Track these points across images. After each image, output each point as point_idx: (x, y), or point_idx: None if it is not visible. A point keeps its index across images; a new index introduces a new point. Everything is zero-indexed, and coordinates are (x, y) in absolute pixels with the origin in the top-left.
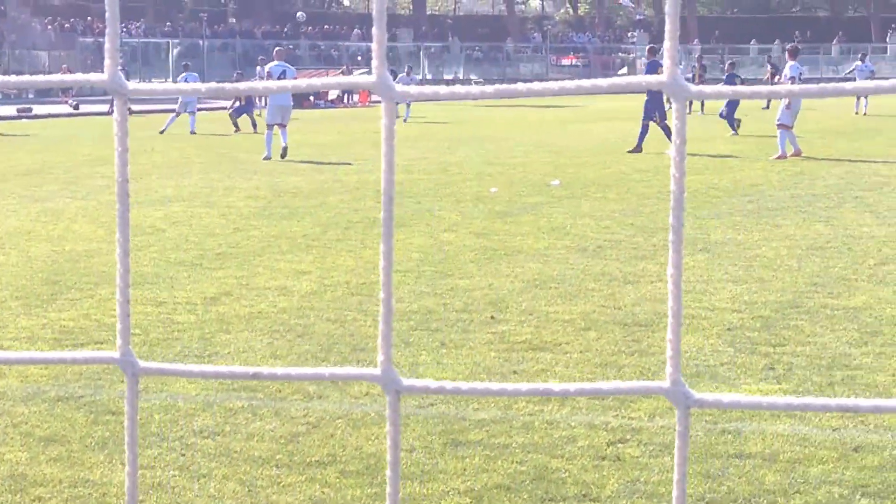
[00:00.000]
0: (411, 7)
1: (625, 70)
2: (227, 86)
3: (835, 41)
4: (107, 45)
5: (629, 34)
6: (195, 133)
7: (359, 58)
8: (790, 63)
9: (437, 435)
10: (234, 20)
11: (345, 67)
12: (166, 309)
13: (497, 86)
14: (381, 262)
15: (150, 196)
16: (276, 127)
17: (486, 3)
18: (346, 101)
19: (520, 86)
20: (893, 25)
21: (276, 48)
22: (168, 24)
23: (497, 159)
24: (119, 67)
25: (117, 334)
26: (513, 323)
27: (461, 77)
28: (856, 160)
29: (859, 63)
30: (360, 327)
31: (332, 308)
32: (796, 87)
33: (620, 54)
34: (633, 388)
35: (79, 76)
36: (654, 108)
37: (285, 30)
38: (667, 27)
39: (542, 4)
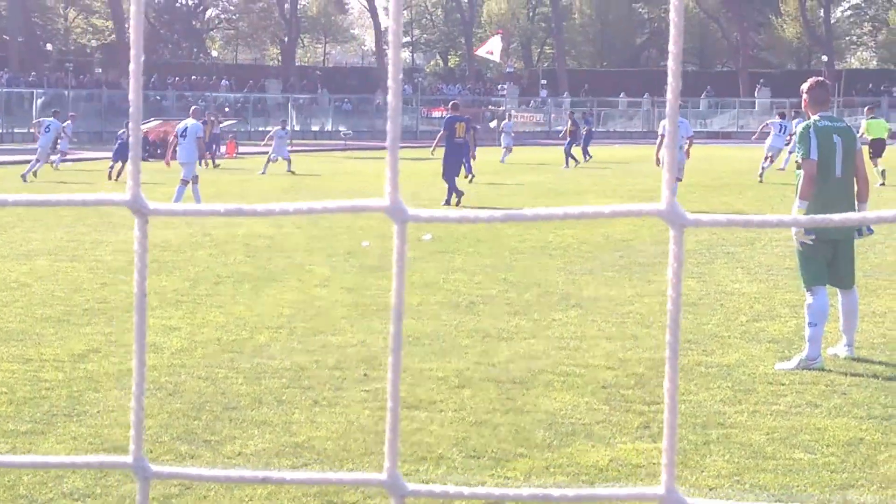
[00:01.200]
0: (280, 58)
1: (494, 122)
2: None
3: (703, 95)
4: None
5: (499, 86)
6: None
7: (227, 108)
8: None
9: None
10: (99, 70)
11: (212, 118)
12: (33, 367)
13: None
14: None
15: (14, 249)
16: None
17: (355, 55)
18: (212, 151)
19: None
20: (761, 80)
21: (193, 107)
22: (33, 73)
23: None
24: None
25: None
26: (386, 380)
27: (329, 129)
28: (728, 214)
29: (778, 119)
30: (231, 385)
31: (202, 365)
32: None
33: (490, 107)
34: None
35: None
36: (454, 168)
37: (152, 80)
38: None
39: (412, 56)
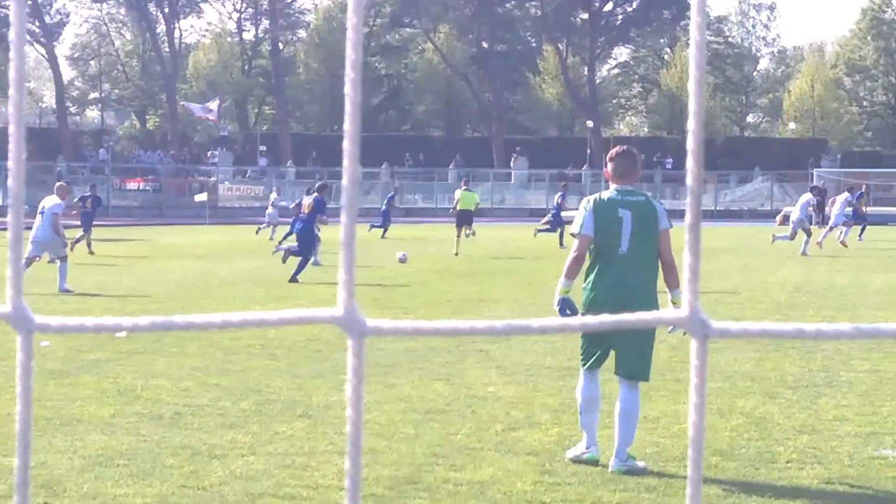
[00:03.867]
0: None
1: (203, 196)
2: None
3: (451, 165)
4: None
5: (210, 153)
6: None
7: None
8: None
9: None
10: None
11: None
12: None
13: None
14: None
15: None
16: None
17: (33, 114)
18: None
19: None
20: (518, 148)
21: (58, 183)
22: None
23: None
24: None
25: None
26: None
27: None
28: (467, 301)
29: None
30: None
31: None
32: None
33: (199, 177)
34: None
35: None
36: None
37: None
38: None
39: (102, 116)
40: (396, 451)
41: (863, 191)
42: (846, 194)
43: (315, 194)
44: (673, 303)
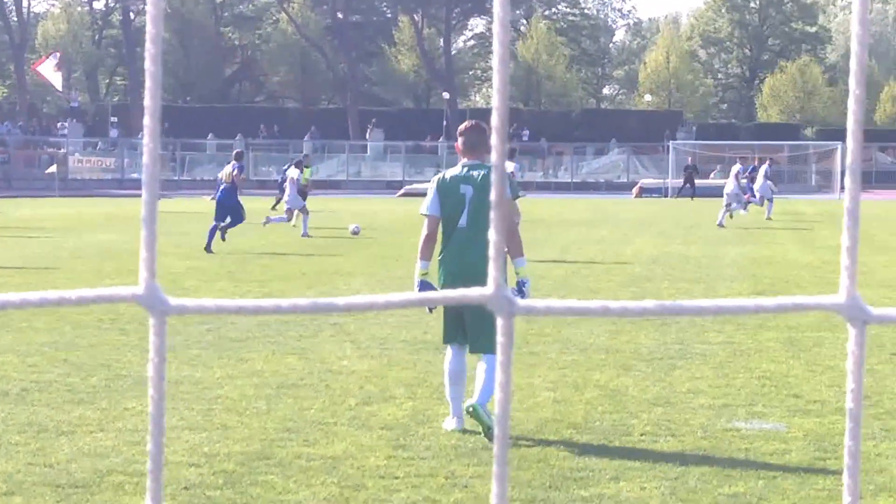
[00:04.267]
0: None
1: (54, 168)
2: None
3: (307, 136)
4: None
5: (59, 124)
6: None
7: None
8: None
9: None
10: None
11: None
12: None
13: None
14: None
15: None
16: None
17: None
18: None
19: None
20: (374, 120)
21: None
22: None
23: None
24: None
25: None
26: None
27: None
28: (322, 275)
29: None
30: None
31: None
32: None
33: (49, 149)
34: None
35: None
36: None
37: None
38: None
39: None
40: (248, 427)
41: (755, 165)
42: (765, 166)
43: (234, 162)
44: (517, 272)
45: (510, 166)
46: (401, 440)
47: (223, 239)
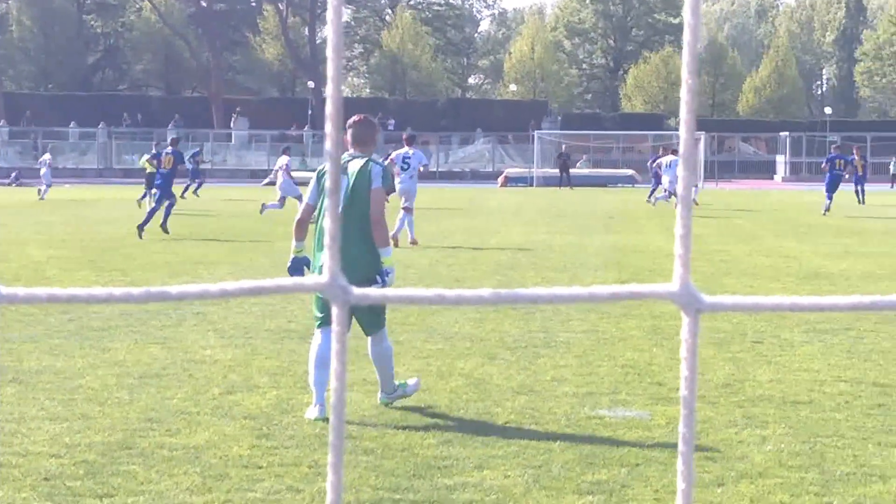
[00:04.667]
0: None
1: None
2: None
3: (171, 125)
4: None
5: None
6: None
7: None
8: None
9: None
10: None
11: None
12: None
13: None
14: None
15: None
16: None
17: None
18: None
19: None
20: (238, 109)
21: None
22: None
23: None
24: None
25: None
26: None
27: None
28: (186, 263)
29: (672, 157)
30: None
31: None
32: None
33: None
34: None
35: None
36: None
37: None
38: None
39: None
40: (110, 417)
41: (658, 154)
42: (672, 156)
43: (170, 148)
44: (382, 262)
45: (409, 152)
46: (264, 429)
47: (165, 230)
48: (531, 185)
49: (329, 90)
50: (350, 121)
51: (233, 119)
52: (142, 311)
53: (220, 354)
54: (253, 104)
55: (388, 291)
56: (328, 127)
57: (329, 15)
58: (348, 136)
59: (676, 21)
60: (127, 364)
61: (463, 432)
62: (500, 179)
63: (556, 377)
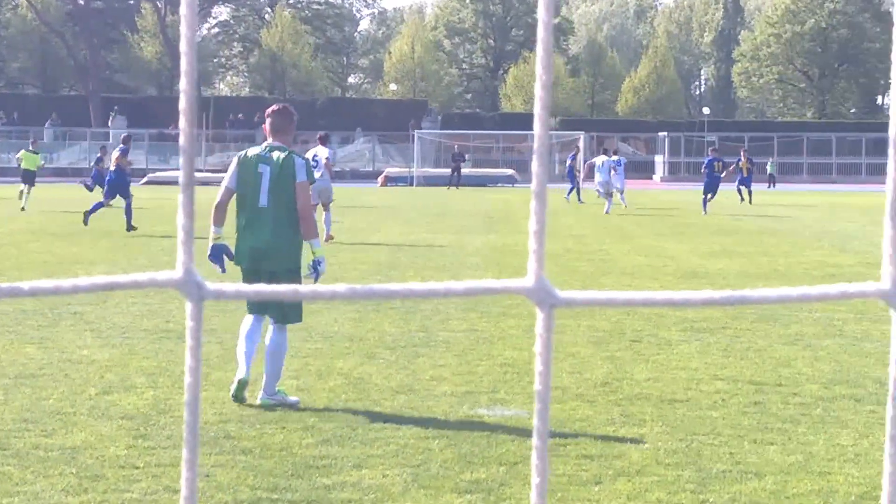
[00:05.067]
0: None
1: None
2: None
3: (47, 123)
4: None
5: None
6: None
7: None
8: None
9: None
10: None
11: None
12: None
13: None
14: None
15: None
16: None
17: None
18: None
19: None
20: (116, 107)
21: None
22: None
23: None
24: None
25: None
26: None
27: None
28: (63, 263)
29: (605, 158)
30: None
31: None
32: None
33: None
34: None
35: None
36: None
37: None
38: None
39: None
40: None
41: (574, 154)
42: (604, 157)
43: (121, 145)
44: (313, 252)
45: (324, 152)
46: (141, 430)
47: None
48: (411, 185)
49: (182, 85)
50: (268, 110)
51: (111, 118)
52: (18, 310)
53: (98, 354)
54: (131, 103)
55: (243, 287)
56: (182, 122)
57: (182, 10)
58: (267, 126)
59: (556, 21)
60: (2, 364)
61: (341, 432)
62: (381, 179)
63: (436, 376)
